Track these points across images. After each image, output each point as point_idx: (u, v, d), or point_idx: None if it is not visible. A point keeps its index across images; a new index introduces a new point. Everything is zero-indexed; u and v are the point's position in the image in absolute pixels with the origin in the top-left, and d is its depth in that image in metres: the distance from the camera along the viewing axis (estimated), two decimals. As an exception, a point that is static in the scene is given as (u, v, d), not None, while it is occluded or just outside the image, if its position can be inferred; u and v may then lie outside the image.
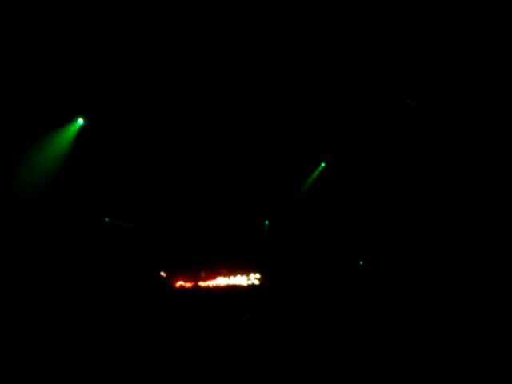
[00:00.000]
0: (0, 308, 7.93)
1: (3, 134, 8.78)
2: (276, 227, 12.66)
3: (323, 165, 11.87)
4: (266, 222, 12.80)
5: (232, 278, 12.19)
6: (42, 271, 9.75)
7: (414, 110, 9.51)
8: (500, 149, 8.77)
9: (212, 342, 8.24)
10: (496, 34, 7.70)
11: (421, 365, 6.45)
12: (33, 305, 8.55)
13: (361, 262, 11.92)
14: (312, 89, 10.03)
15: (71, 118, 9.62)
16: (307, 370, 6.70)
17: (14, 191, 9.03)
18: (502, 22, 7.53)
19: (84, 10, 7.94)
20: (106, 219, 11.70)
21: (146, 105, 10.06)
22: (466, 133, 9.10)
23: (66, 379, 6.33)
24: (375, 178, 11.15)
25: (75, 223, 10.89)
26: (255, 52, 9.16)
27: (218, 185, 11.89)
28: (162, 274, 11.86)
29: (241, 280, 12.16)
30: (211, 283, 12.07)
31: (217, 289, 11.98)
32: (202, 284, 12.03)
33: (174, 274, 12.01)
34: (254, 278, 12.21)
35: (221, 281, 12.12)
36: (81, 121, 9.59)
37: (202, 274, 12.19)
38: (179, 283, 11.92)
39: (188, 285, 11.97)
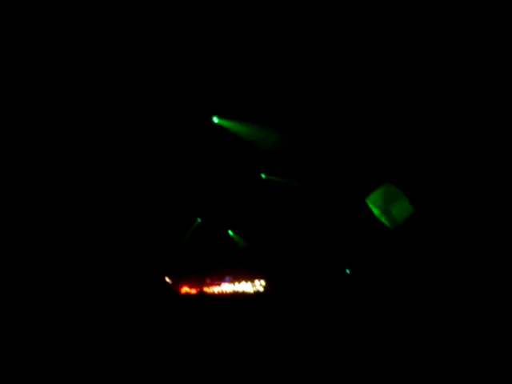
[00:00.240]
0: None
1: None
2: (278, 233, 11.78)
3: None
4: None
5: (237, 284, 12.11)
6: (42, 273, 10.91)
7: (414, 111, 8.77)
8: (500, 149, 8.23)
9: (216, 347, 9.48)
10: (496, 34, 7.20)
11: (421, 365, 6.78)
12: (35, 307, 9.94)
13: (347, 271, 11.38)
14: (312, 89, 8.87)
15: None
16: (310, 376, 7.18)
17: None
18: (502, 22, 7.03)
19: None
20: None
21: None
22: (466, 133, 8.48)
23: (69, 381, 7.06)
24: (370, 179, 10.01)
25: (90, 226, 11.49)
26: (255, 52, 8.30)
27: (224, 191, 11.49)
28: (168, 280, 12.26)
29: (246, 286, 12.05)
30: (216, 289, 12.22)
31: (222, 295, 12.17)
32: (206, 290, 12.26)
33: (180, 280, 12.33)
34: (258, 285, 11.99)
35: (226, 287, 12.17)
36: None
37: (207, 280, 12.30)
38: (184, 289, 12.29)
39: (193, 291, 12.30)
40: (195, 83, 8.34)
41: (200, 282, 12.24)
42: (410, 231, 9.01)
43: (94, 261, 11.02)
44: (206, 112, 9.58)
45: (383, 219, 8.91)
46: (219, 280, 12.20)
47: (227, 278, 12.14)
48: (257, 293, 11.90)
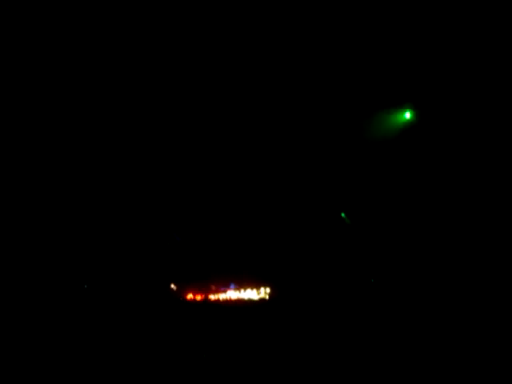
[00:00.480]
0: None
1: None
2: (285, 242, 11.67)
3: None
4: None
5: (242, 291, 12.03)
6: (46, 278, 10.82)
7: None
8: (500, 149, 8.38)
9: (221, 353, 9.37)
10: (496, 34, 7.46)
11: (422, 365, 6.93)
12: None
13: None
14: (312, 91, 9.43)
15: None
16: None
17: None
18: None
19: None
20: None
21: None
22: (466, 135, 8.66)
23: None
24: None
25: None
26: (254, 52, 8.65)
27: (231, 198, 11.57)
28: (173, 286, 12.20)
29: (251, 294, 11.96)
30: (221, 296, 12.13)
31: (227, 302, 12.08)
32: (212, 297, 12.17)
33: (185, 287, 12.27)
34: (264, 293, 11.91)
35: (231, 294, 12.08)
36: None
37: (213, 287, 12.23)
38: (189, 296, 12.22)
39: (198, 297, 12.22)
40: (195, 83, 8.44)
41: (205, 289, 12.16)
42: (409, 232, 9.03)
43: (98, 267, 11.02)
44: (205, 113, 9.60)
45: None
46: (224, 287, 12.12)
47: (232, 284, 12.07)
48: (262, 300, 11.81)
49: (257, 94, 9.39)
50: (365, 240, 10.74)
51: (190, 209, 11.65)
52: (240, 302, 11.89)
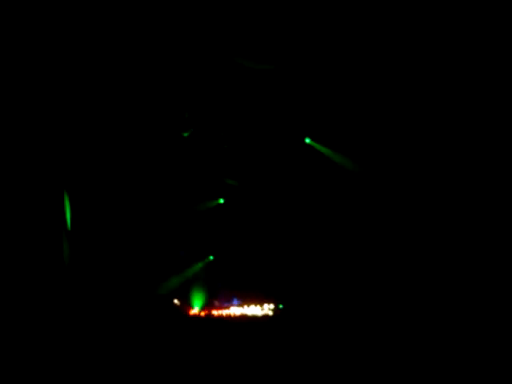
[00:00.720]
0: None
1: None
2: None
3: None
4: None
5: (246, 307, 11.98)
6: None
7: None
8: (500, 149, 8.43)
9: (224, 370, 9.16)
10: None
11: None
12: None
13: None
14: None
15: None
16: None
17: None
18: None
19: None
20: None
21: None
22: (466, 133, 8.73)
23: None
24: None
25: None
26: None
27: (233, 212, 11.84)
28: (176, 301, 12.14)
29: (255, 310, 11.89)
30: (225, 312, 12.06)
31: (230, 318, 11.99)
32: (215, 313, 12.11)
33: (188, 302, 12.22)
34: (268, 309, 11.85)
35: (234, 310, 12.02)
36: None
37: (216, 303, 12.19)
38: (193, 311, 12.16)
39: (202, 313, 12.15)
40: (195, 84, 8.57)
41: (208, 305, 12.14)
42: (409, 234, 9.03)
43: (102, 279, 11.00)
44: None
45: None
46: (228, 303, 12.09)
47: (235, 301, 12.04)
48: (265, 317, 11.76)
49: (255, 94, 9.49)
50: (365, 253, 10.76)
51: (194, 221, 11.73)
52: (243, 318, 11.83)
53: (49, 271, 8.53)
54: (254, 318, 11.85)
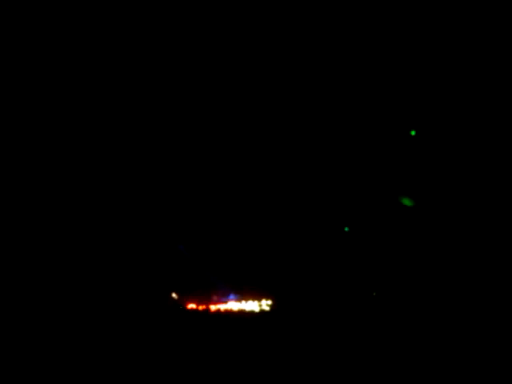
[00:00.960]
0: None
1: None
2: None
3: None
4: None
5: (243, 302, 12.04)
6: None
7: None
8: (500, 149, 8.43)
9: (222, 365, 9.29)
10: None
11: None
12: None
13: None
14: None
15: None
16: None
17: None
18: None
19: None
20: None
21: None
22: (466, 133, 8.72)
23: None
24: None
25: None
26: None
27: (232, 208, 11.71)
28: (174, 295, 12.21)
29: (252, 305, 11.97)
30: (222, 307, 12.14)
31: (228, 313, 12.08)
32: (213, 308, 12.18)
33: (186, 297, 12.28)
34: (265, 305, 11.92)
35: (232, 305, 12.09)
36: None
37: (214, 297, 12.24)
38: (190, 306, 12.22)
39: (199, 308, 12.22)
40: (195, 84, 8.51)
41: (206, 299, 12.18)
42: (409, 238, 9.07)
43: (100, 275, 11.04)
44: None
45: None
46: (225, 297, 12.15)
47: (233, 295, 12.10)
48: (263, 312, 11.83)
49: (255, 95, 9.46)
50: (365, 254, 10.78)
51: (192, 219, 11.73)
52: (241, 313, 11.90)
53: (49, 271, 8.61)
54: (252, 313, 11.94)
